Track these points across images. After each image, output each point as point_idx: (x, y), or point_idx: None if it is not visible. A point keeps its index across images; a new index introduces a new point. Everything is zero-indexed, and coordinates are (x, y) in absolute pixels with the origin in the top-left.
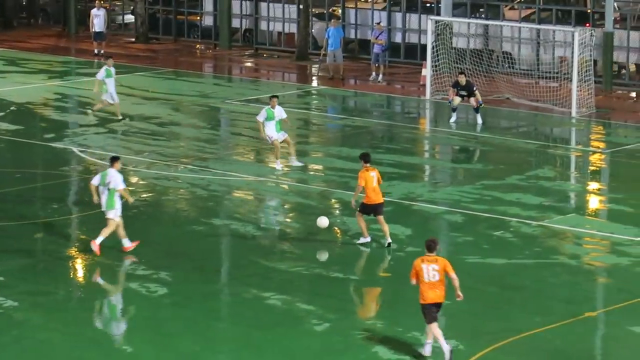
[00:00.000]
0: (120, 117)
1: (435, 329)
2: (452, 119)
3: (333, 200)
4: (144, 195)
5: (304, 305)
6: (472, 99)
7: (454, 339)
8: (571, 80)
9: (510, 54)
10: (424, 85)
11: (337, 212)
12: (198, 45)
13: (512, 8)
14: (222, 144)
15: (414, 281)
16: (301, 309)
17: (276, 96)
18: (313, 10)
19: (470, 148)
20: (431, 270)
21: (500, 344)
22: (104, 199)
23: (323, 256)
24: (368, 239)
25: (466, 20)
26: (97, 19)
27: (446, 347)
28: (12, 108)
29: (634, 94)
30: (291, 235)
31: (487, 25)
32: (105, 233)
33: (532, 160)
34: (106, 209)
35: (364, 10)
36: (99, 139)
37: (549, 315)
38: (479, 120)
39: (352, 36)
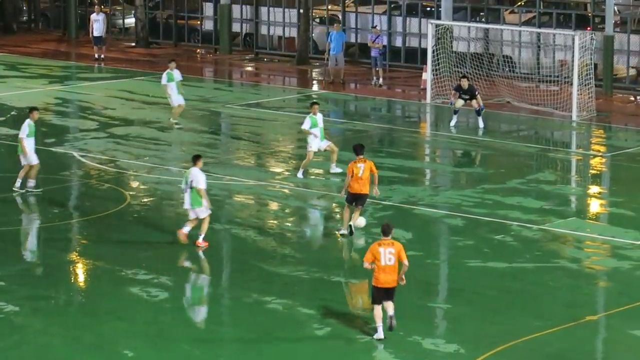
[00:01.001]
0: (175, 122)
1: (377, 311)
2: (453, 122)
3: (333, 205)
4: (145, 200)
5: (304, 309)
6: (474, 102)
7: (455, 342)
8: (572, 84)
9: (511, 57)
10: (424, 89)
11: (338, 216)
12: (198, 50)
13: (512, 12)
14: (222, 148)
15: (367, 264)
16: (302, 313)
17: (317, 102)
18: (313, 14)
19: (471, 152)
20: (388, 254)
21: (501, 347)
22: (188, 197)
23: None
24: (347, 232)
25: (466, 24)
26: (97, 24)
27: (379, 334)
28: (12, 113)
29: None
30: (292, 239)
31: (487, 29)
32: (203, 229)
33: (533, 164)
34: (192, 207)
35: (364, 15)
36: (100, 143)
37: (549, 319)
38: (481, 124)
39: (353, 40)
